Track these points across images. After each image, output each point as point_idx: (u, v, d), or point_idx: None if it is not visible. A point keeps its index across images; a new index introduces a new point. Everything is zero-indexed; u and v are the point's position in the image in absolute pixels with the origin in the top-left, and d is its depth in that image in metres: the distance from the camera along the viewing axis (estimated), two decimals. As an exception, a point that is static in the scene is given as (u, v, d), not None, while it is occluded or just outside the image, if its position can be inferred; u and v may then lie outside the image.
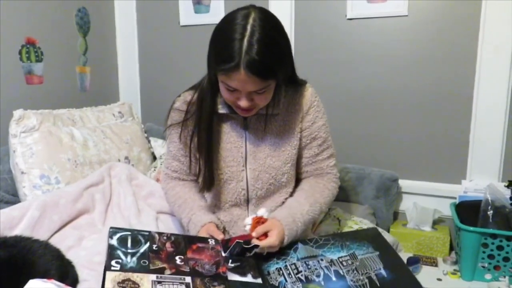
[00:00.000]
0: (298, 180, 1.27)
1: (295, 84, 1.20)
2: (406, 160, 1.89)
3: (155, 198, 1.50)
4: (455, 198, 1.73)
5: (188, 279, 0.93)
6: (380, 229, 1.57)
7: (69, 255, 1.16)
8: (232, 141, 1.18)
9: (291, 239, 1.09)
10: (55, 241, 1.22)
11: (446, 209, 1.77)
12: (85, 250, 1.24)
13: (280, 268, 1.05)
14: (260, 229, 1.06)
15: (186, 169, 1.25)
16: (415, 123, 1.86)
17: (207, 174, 1.17)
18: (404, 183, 1.88)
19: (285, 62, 1.05)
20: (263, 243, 1.03)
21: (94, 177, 1.51)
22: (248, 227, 1.10)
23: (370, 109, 1.92)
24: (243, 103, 1.04)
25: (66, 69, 2.04)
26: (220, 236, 1.09)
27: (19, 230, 1.22)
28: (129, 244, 0.96)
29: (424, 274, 1.58)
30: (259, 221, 1.09)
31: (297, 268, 1.05)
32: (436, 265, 1.65)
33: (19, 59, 1.80)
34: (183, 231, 1.24)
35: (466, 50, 1.73)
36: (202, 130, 1.14)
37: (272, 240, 1.04)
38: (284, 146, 1.19)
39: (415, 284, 1.04)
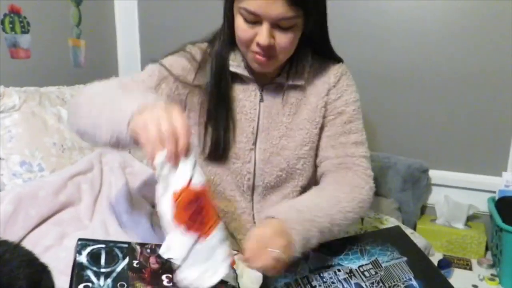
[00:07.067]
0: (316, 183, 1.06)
1: (325, 57, 1.04)
2: (438, 147, 1.72)
3: (152, 188, 1.33)
4: (494, 192, 1.57)
5: (178, 306, 0.74)
6: (410, 230, 1.40)
7: (47, 257, 0.97)
8: (243, 112, 1.01)
9: (303, 240, 0.83)
10: (31, 240, 1.07)
11: (482, 205, 1.60)
12: (65, 251, 1.07)
13: (290, 283, 0.87)
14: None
15: None
16: (449, 105, 1.67)
17: (221, 141, 0.99)
18: (435, 174, 1.71)
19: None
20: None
21: (82, 164, 1.34)
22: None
23: (397, 89, 1.72)
24: (263, 38, 0.86)
25: (57, 42, 1.85)
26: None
27: (-12, 227, 1.07)
28: (102, 261, 0.78)
29: (457, 279, 1.40)
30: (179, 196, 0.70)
31: (310, 283, 0.88)
32: (471, 269, 1.48)
33: (2, 30, 1.62)
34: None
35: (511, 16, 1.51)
36: (216, 89, 0.98)
37: (250, 245, 0.78)
38: (303, 123, 1.01)
39: None
